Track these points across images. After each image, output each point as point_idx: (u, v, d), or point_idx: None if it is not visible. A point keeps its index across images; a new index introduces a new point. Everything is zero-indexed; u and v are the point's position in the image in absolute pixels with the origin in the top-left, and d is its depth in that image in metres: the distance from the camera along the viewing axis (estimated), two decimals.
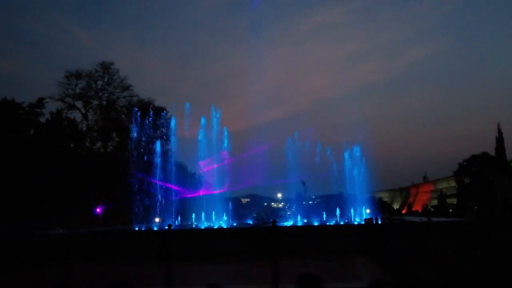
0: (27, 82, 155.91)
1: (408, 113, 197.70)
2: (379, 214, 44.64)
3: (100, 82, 62.97)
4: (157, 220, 46.18)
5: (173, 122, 53.12)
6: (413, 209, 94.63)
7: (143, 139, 61.26)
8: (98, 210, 49.40)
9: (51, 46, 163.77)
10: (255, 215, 37.24)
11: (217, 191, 43.97)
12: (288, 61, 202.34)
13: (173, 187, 45.55)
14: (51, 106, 58.14)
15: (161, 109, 62.21)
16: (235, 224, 38.21)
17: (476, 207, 67.83)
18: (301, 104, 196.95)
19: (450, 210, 74.70)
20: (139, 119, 56.95)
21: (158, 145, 49.60)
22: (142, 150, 58.72)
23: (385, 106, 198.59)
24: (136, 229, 35.71)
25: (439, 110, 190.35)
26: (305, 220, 42.82)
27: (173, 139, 52.54)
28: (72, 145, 57.45)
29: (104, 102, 62.49)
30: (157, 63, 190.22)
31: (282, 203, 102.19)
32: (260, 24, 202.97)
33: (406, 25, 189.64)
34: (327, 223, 38.19)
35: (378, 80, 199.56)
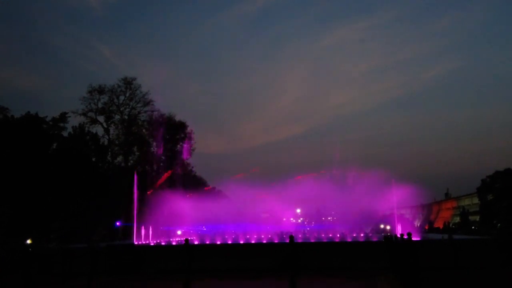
0: (51, 97, 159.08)
1: (430, 129, 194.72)
2: (400, 231, 43.89)
3: (122, 97, 64.12)
4: (178, 232, 46.29)
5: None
6: (435, 226, 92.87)
7: (164, 153, 61.95)
8: (118, 223, 49.67)
9: (75, 61, 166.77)
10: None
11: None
12: (309, 76, 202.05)
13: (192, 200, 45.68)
14: (74, 121, 59.34)
15: (182, 124, 63.12)
16: None
17: (499, 225, 66.27)
18: (322, 120, 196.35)
19: (473, 228, 73.03)
20: (159, 133, 57.62)
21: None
22: (162, 164, 59.33)
23: (406, 122, 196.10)
24: (153, 243, 35.79)
25: (462, 126, 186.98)
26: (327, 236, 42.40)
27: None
28: (94, 159, 58.06)
29: (126, 117, 63.31)
30: (179, 79, 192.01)
31: (301, 219, 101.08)
32: (281, 40, 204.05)
33: (429, 40, 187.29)
34: (348, 240, 37.69)
35: (400, 96, 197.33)
